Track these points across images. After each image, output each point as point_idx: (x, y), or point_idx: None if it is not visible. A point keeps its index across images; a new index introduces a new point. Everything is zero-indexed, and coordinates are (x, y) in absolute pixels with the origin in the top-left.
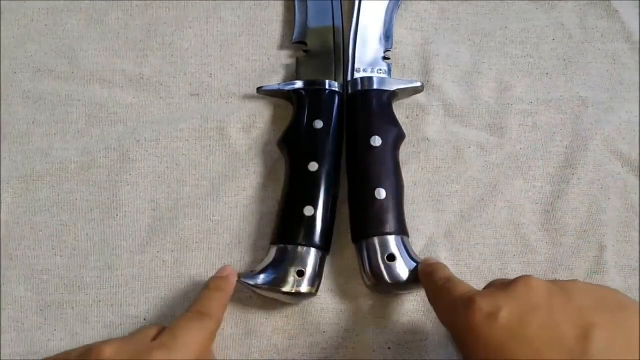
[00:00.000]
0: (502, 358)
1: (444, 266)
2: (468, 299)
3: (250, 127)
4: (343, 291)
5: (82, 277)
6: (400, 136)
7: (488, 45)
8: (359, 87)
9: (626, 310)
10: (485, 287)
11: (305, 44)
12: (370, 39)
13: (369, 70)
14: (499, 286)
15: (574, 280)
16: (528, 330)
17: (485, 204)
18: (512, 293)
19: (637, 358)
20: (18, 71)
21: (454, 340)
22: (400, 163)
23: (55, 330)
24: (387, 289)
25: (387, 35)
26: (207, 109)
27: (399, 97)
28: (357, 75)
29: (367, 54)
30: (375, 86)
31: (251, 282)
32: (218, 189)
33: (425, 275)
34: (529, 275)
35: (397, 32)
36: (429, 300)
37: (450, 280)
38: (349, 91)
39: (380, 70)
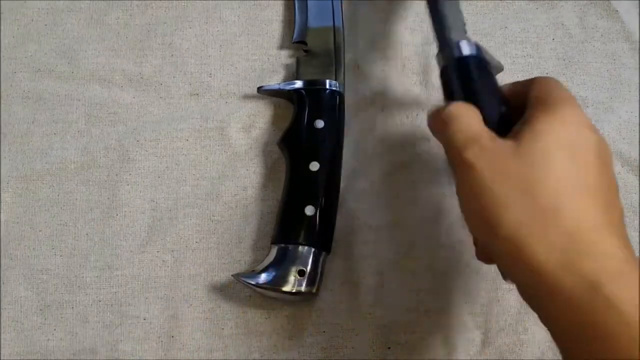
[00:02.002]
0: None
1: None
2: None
3: (250, 127)
4: (343, 291)
5: (82, 277)
6: None
7: (488, 45)
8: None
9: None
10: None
11: (305, 44)
12: None
13: None
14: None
15: None
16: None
17: None
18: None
19: None
20: (18, 71)
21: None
22: (401, 163)
23: (55, 330)
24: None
25: None
26: (207, 109)
27: None
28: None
29: None
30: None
31: (252, 282)
32: (218, 189)
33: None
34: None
35: (397, 32)
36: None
37: None
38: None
39: None
